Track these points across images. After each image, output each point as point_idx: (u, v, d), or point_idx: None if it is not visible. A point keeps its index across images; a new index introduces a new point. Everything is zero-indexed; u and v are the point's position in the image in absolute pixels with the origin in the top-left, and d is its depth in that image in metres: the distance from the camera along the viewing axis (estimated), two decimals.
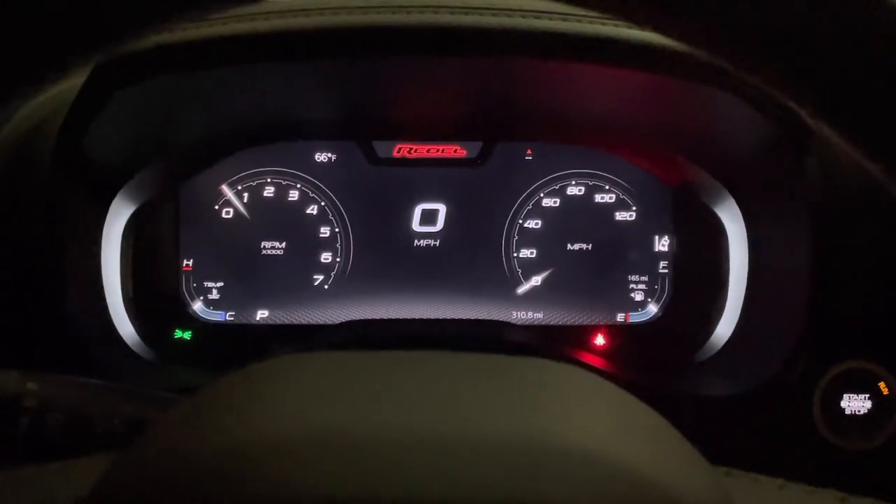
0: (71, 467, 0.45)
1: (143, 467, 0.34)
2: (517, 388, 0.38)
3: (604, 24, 0.72)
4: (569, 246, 1.08)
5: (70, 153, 0.84)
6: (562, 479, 0.31)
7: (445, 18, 0.72)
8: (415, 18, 0.72)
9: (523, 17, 0.72)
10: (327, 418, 0.34)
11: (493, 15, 0.72)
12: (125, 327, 0.99)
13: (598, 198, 1.08)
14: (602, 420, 0.37)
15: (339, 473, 0.31)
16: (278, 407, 0.35)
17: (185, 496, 0.31)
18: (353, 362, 0.40)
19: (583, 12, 0.74)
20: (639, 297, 1.09)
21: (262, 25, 0.75)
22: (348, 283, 1.08)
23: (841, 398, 0.89)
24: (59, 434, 0.59)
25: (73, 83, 0.83)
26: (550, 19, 0.71)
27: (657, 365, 1.03)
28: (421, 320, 1.06)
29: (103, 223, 0.94)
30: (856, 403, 0.89)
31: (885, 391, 0.89)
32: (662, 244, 1.08)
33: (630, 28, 0.74)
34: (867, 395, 0.89)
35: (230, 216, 1.06)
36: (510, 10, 0.73)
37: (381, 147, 1.06)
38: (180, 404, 0.39)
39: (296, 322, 1.08)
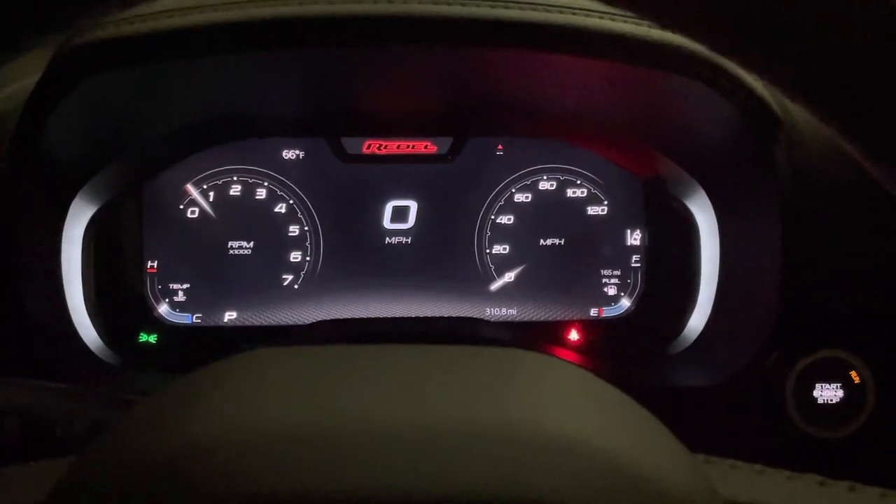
0: (29, 470, 0.43)
1: (101, 468, 0.33)
2: (494, 379, 0.37)
3: (574, 13, 0.71)
4: (541, 241, 1.08)
5: (28, 150, 0.81)
6: (543, 469, 0.31)
7: (409, 8, 0.71)
8: (382, 8, 0.71)
9: (492, 6, 0.71)
10: (291, 413, 0.33)
11: (463, 5, 0.71)
12: (88, 331, 0.96)
13: (569, 192, 1.07)
14: (581, 409, 0.36)
15: (303, 468, 0.30)
16: (241, 403, 0.34)
17: (145, 496, 0.30)
18: (319, 356, 0.39)
19: (549, 1, 0.73)
20: (612, 291, 1.08)
21: (225, 15, 0.73)
22: (318, 282, 1.06)
23: (813, 388, 0.89)
24: (17, 438, 0.57)
25: (32, 79, 0.80)
26: (521, 9, 0.70)
27: (631, 358, 1.03)
28: (393, 319, 1.05)
29: (63, 223, 0.92)
30: (828, 392, 0.90)
31: (857, 380, 0.89)
32: (634, 238, 1.08)
33: (598, 18, 0.73)
34: (839, 384, 0.90)
35: (196, 216, 1.04)
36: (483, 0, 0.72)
37: (350, 143, 1.05)
38: (138, 404, 0.38)
39: (265, 323, 1.06)
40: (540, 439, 0.32)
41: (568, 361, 0.41)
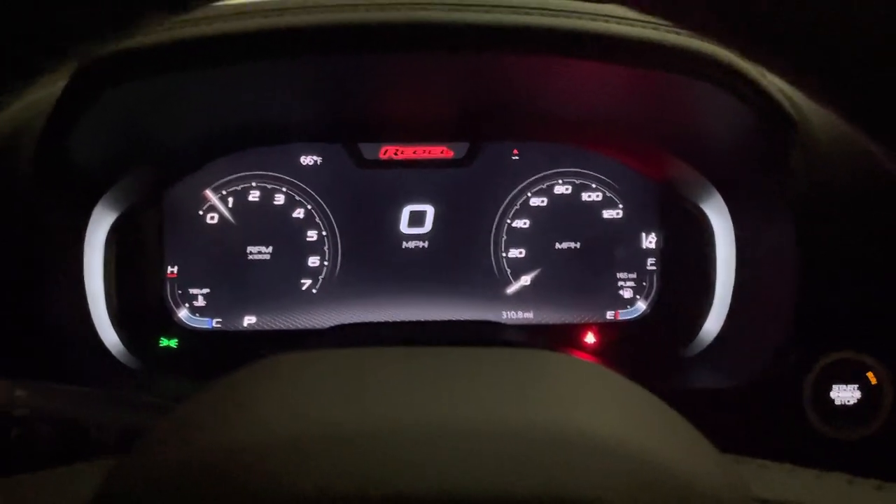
0: (69, 474, 0.44)
1: (143, 472, 0.33)
2: (530, 380, 0.38)
3: (593, 19, 0.72)
4: (557, 245, 1.08)
5: (51, 158, 0.82)
6: (580, 469, 0.31)
7: (431, 15, 0.72)
8: (402, 15, 0.72)
9: (511, 12, 0.72)
10: (332, 415, 0.33)
11: (481, 11, 0.72)
12: (109, 336, 0.97)
13: (585, 196, 1.08)
14: (615, 410, 0.37)
15: (345, 470, 0.30)
16: (282, 406, 0.34)
17: (187, 499, 0.30)
18: (353, 359, 0.40)
19: (569, 8, 0.74)
20: (627, 294, 1.09)
21: (246, 24, 0.74)
22: (336, 286, 1.07)
23: (830, 389, 0.90)
24: (50, 442, 0.58)
25: (54, 88, 0.81)
26: (541, 15, 0.71)
27: (647, 361, 1.04)
28: (411, 322, 1.06)
29: (85, 230, 0.93)
30: (845, 394, 0.90)
31: (874, 381, 0.90)
32: (650, 241, 1.09)
33: (617, 24, 0.74)
34: (856, 386, 0.90)
35: (215, 221, 1.05)
36: (497, 6, 0.73)
37: (367, 149, 1.06)
38: (177, 409, 0.38)
39: (284, 327, 1.07)
40: (576, 440, 0.32)
41: (598, 364, 0.41)
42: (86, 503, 0.34)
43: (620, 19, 0.73)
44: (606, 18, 0.72)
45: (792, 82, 0.36)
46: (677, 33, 0.74)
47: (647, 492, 0.31)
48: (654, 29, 0.74)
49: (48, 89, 0.87)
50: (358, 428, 0.32)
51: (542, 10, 0.72)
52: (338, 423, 0.32)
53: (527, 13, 0.71)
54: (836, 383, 0.89)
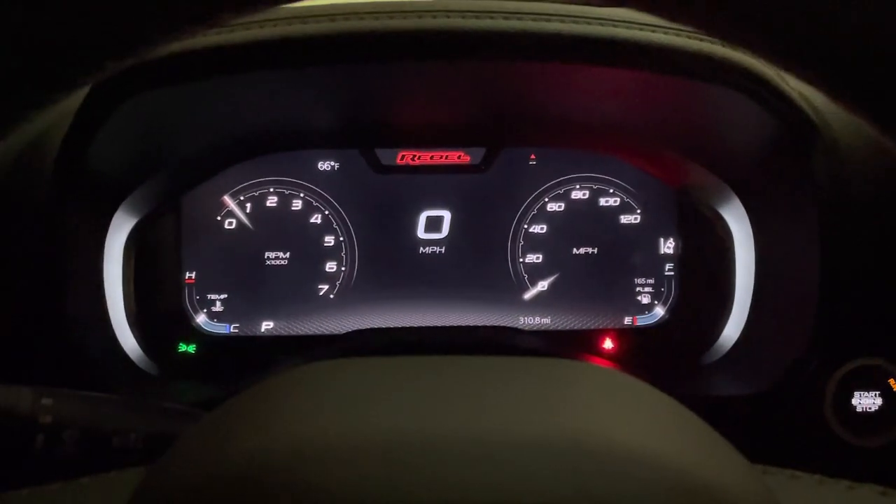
0: (101, 482, 0.44)
1: (174, 482, 0.33)
2: (560, 390, 0.38)
3: (615, 25, 0.72)
4: (574, 250, 1.08)
5: (72, 166, 0.83)
6: (611, 480, 0.31)
7: (451, 22, 0.72)
8: (423, 22, 0.72)
9: (531, 19, 0.72)
10: (365, 424, 0.33)
11: (502, 18, 0.72)
12: (128, 342, 0.97)
13: (602, 201, 1.08)
14: (645, 420, 0.37)
15: (377, 479, 0.30)
16: (314, 414, 0.34)
17: None
18: (380, 368, 0.40)
19: (588, 14, 0.74)
20: (645, 300, 1.09)
21: (265, 33, 0.74)
22: (353, 292, 1.07)
23: (852, 396, 0.89)
24: (75, 450, 0.58)
25: (75, 96, 0.81)
26: (562, 22, 0.71)
27: (665, 367, 1.03)
28: (428, 328, 1.06)
29: (105, 237, 0.93)
30: (867, 401, 0.89)
31: None
32: (668, 246, 1.08)
33: (639, 30, 0.74)
34: (878, 392, 0.89)
35: (233, 227, 1.05)
36: (517, 13, 0.73)
37: (384, 154, 1.06)
38: (206, 417, 0.38)
39: (301, 333, 1.07)
40: (607, 451, 0.32)
41: (626, 373, 0.41)
42: None
43: (639, 25, 0.73)
44: (628, 24, 0.72)
45: (813, 83, 0.36)
46: (699, 39, 0.74)
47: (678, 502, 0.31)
48: (675, 35, 0.74)
49: (69, 98, 0.87)
50: (389, 437, 0.32)
51: (562, 16, 0.72)
52: (369, 433, 0.32)
53: (546, 20, 0.71)
54: (857, 390, 0.89)
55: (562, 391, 0.38)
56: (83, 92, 0.80)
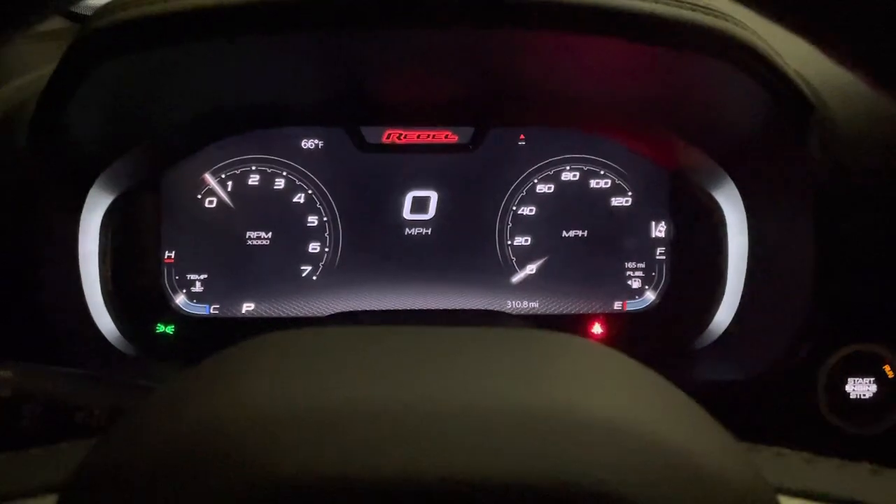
0: (51, 452, 0.42)
1: (124, 449, 0.32)
2: (543, 362, 0.36)
3: None
4: (564, 233, 1.06)
5: (46, 137, 0.81)
6: (592, 454, 0.30)
7: None
8: None
9: None
10: (322, 395, 0.32)
11: None
12: (105, 321, 0.95)
13: (593, 183, 1.05)
14: (627, 394, 0.35)
15: (332, 450, 0.29)
16: (272, 384, 0.33)
17: (167, 477, 0.29)
18: (338, 338, 0.38)
19: None
20: (636, 284, 1.06)
21: None
22: (337, 273, 1.05)
23: (845, 382, 0.87)
24: (36, 424, 0.56)
25: (49, 68, 0.79)
26: None
27: (656, 353, 1.01)
28: (412, 311, 1.03)
29: (81, 213, 0.91)
30: (861, 387, 0.88)
31: (891, 374, 0.87)
32: (659, 230, 1.06)
33: None
34: (872, 379, 0.88)
35: (214, 206, 1.03)
36: None
37: (369, 133, 1.03)
38: (159, 388, 0.37)
39: (283, 315, 1.04)
40: (588, 424, 0.31)
41: (612, 349, 0.40)
42: (65, 480, 0.33)
43: None
44: None
45: (812, 40, 0.34)
46: (692, 9, 0.71)
47: (662, 477, 0.30)
48: (667, 5, 0.72)
49: (45, 69, 0.85)
50: (345, 407, 0.31)
51: None
52: (323, 403, 0.31)
53: None
54: (851, 376, 0.87)
55: (541, 363, 0.36)
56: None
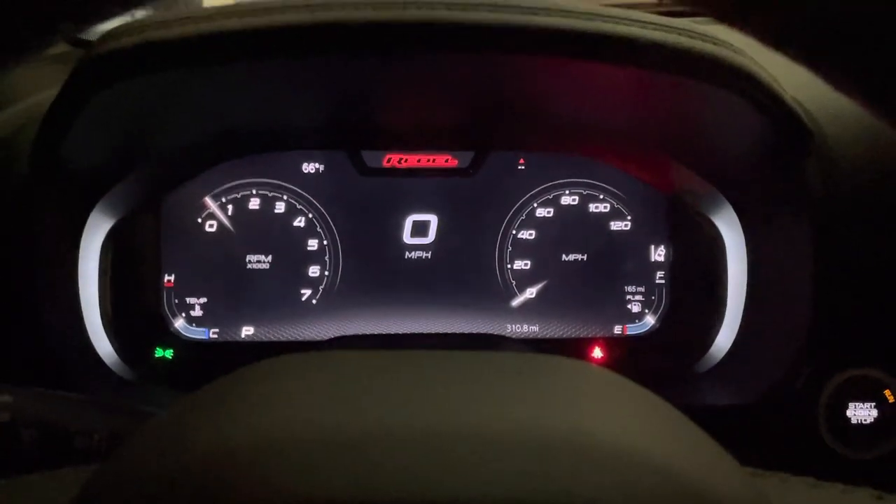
0: (50, 479, 0.42)
1: (125, 475, 0.32)
2: (544, 387, 0.37)
3: (605, 21, 0.70)
4: (563, 257, 1.06)
5: (47, 161, 0.81)
6: (595, 479, 0.30)
7: (436, 14, 0.70)
8: (406, 14, 0.70)
9: (518, 12, 0.70)
10: (325, 419, 0.32)
11: (487, 11, 0.70)
12: (103, 345, 0.95)
13: (592, 207, 1.06)
14: (632, 418, 0.35)
15: (336, 475, 0.29)
16: (274, 409, 0.33)
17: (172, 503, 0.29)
18: (347, 362, 0.38)
19: (578, 9, 0.72)
20: (636, 308, 1.06)
21: (246, 22, 0.72)
22: (337, 297, 1.05)
23: (846, 407, 0.87)
24: (35, 449, 0.56)
25: (50, 93, 0.79)
26: (549, 15, 0.69)
27: (656, 377, 1.00)
28: (412, 335, 1.03)
29: (81, 236, 0.91)
30: (861, 412, 0.87)
31: (891, 398, 0.87)
32: (659, 254, 1.06)
33: (626, 26, 0.72)
34: (873, 404, 0.87)
35: (214, 229, 1.03)
36: (505, 6, 0.71)
37: (370, 157, 1.04)
38: (160, 413, 0.37)
39: (283, 339, 1.04)
40: (593, 449, 0.31)
41: (616, 374, 0.40)
42: None
43: (632, 21, 0.71)
44: (616, 20, 0.70)
45: (810, 66, 0.34)
46: (690, 37, 0.72)
47: (666, 501, 0.30)
48: (667, 32, 0.73)
49: (46, 93, 0.85)
50: (348, 432, 0.31)
51: (549, 10, 0.70)
52: (326, 427, 0.31)
53: (533, 13, 0.69)
54: (851, 401, 0.87)
55: (543, 387, 0.36)
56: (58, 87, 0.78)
